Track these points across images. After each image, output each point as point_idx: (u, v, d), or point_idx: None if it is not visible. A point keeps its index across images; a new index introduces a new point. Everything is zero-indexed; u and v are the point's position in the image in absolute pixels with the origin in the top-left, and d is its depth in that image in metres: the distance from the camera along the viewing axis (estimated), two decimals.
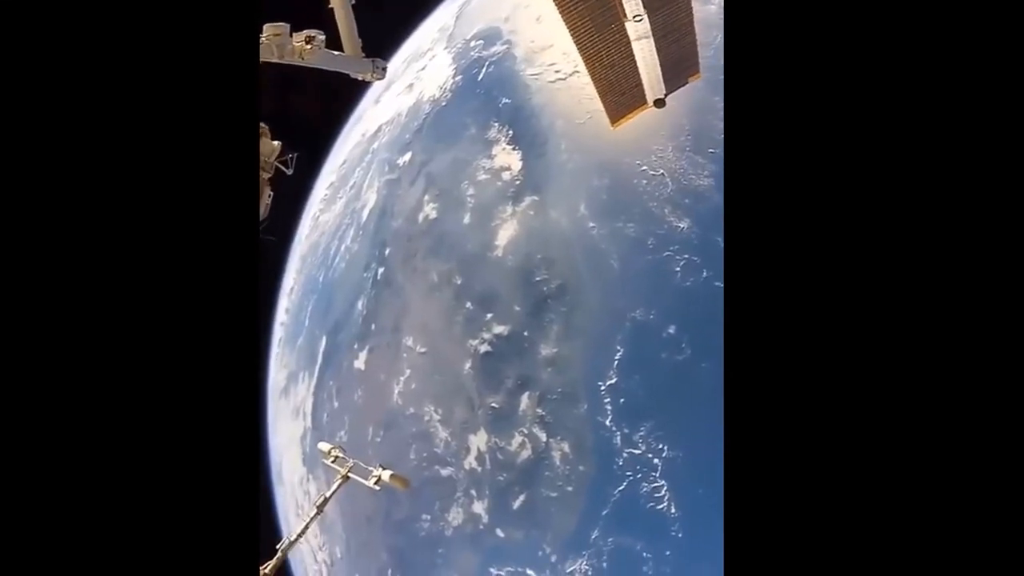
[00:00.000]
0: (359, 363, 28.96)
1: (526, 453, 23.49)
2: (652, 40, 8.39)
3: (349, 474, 7.30)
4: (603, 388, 22.71)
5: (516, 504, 23.16)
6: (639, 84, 9.00)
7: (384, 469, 7.29)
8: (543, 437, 23.35)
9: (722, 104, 24.38)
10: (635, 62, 8.62)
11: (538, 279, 25.18)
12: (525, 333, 24.87)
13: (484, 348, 25.41)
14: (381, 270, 30.48)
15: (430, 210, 29.57)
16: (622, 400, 22.45)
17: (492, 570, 22.74)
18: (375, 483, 7.22)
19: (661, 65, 8.72)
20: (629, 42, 8.34)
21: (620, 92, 9.12)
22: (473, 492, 23.85)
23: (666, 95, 9.21)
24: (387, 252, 30.73)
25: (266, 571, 6.21)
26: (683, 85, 9.49)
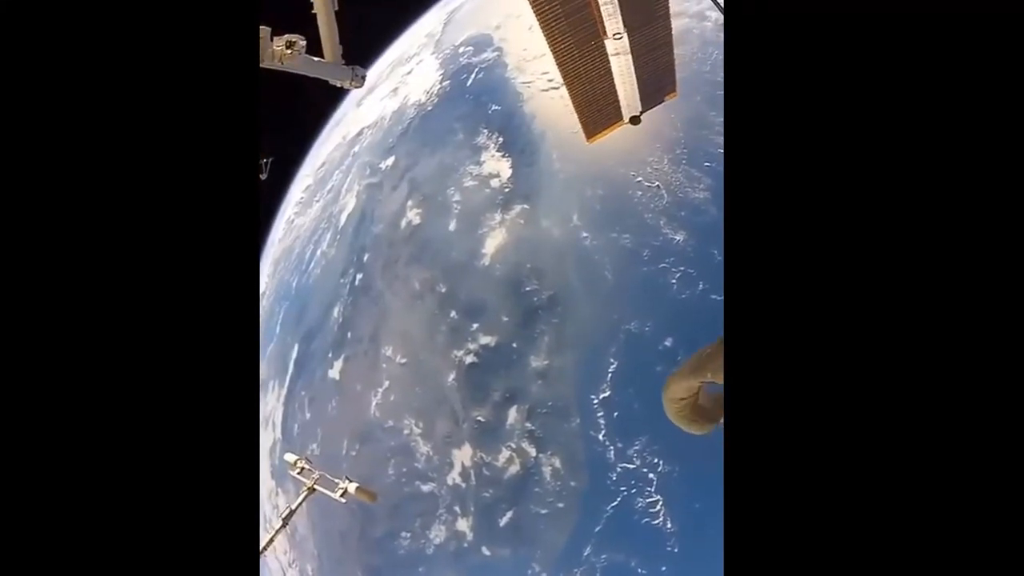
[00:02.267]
0: (334, 373, 27.72)
1: (514, 468, 22.63)
2: (631, 58, 8.51)
3: (316, 486, 7.25)
4: (596, 401, 22.13)
5: (503, 521, 22.21)
6: (616, 101, 9.10)
7: (351, 482, 7.26)
8: (532, 452, 22.55)
9: (718, 119, 24.52)
10: (613, 79, 8.68)
11: (528, 289, 24.55)
12: (514, 344, 24.14)
13: (469, 359, 24.57)
14: (359, 276, 29.45)
15: (413, 216, 28.75)
16: (616, 414, 21.89)
17: None
18: (341, 495, 7.18)
19: (639, 83, 8.87)
20: (608, 59, 8.42)
21: (597, 108, 9.22)
22: (457, 509, 22.80)
23: (642, 113, 9.32)
24: (366, 258, 29.73)
25: None
26: (660, 103, 9.65)
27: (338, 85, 6.37)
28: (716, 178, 23.44)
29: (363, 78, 6.48)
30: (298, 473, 7.47)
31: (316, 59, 6.07)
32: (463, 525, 22.54)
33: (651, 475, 21.11)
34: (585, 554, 21.01)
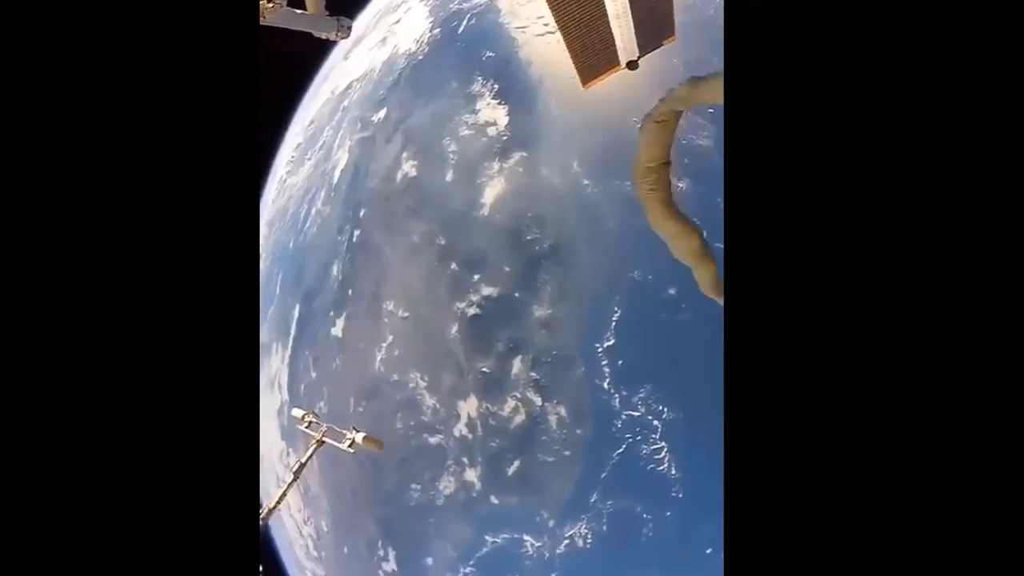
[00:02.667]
0: (336, 331, 27.59)
1: (520, 418, 22.73)
2: (628, 1, 8.20)
3: (324, 438, 7.37)
4: (600, 350, 22.07)
5: (511, 470, 22.44)
6: (612, 46, 8.79)
7: (358, 432, 7.36)
8: (538, 401, 22.61)
9: (722, 63, 23.68)
10: (609, 23, 8.45)
11: (529, 238, 24.21)
12: (516, 295, 23.95)
13: (472, 311, 24.40)
14: (356, 232, 29.01)
15: (409, 168, 28.15)
16: (620, 362, 21.86)
17: (487, 537, 22.02)
18: (349, 446, 7.31)
19: (635, 27, 8.59)
20: (603, 2, 8.12)
21: (593, 53, 8.91)
22: (465, 459, 23.00)
23: (639, 57, 9.07)
24: (362, 213, 29.24)
25: None
26: (658, 47, 9.25)
27: (323, 37, 6.18)
28: (720, 125, 22.71)
29: (349, 29, 6.30)
30: (306, 427, 7.55)
31: (299, 11, 5.90)
32: (471, 475, 22.78)
33: (656, 422, 21.21)
34: (592, 500, 21.30)
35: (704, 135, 22.90)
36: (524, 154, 25.22)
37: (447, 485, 22.93)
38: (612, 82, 9.26)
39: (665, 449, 21.06)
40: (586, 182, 23.76)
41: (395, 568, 23.61)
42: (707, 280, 6.29)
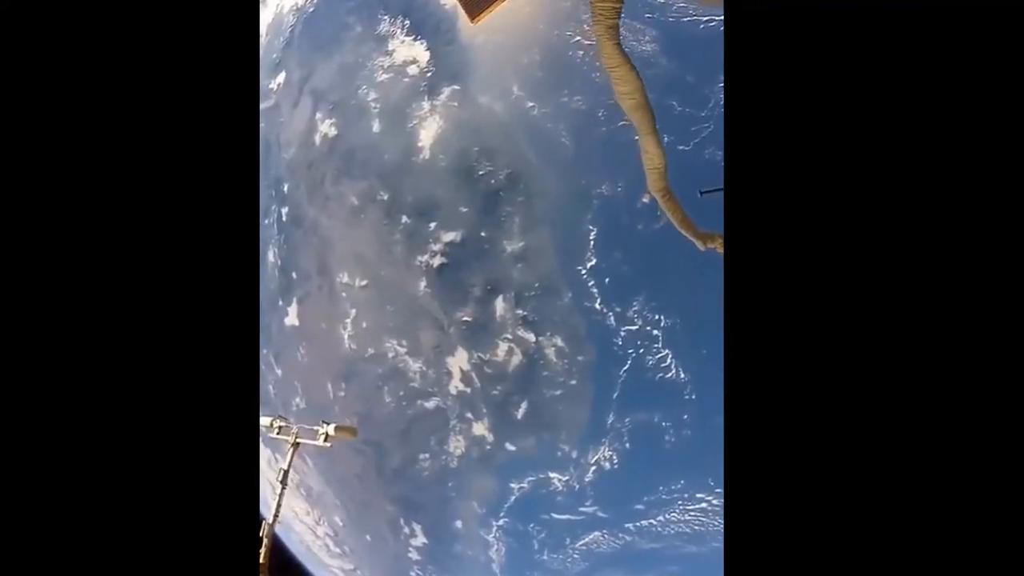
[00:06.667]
0: (291, 320, 25.33)
1: (516, 359, 21.72)
2: None
3: (298, 440, 7.34)
4: (584, 272, 21.29)
5: (519, 413, 21.51)
6: None
7: (328, 424, 7.35)
8: (531, 337, 21.63)
9: None
10: None
11: (481, 173, 22.75)
12: (482, 234, 22.58)
13: (437, 261, 22.85)
14: (284, 210, 26.51)
15: (327, 128, 25.76)
16: (607, 280, 21.19)
17: (512, 485, 21.18)
18: (324, 440, 7.30)
19: None
20: None
21: None
22: (469, 415, 21.84)
23: None
24: (285, 188, 26.69)
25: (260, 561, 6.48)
26: None
27: None
28: (661, 29, 21.91)
29: None
30: (277, 433, 7.39)
31: None
32: (480, 429, 21.71)
33: (655, 332, 20.83)
34: (609, 422, 20.86)
35: (645, 40, 22.03)
36: (456, 87, 23.46)
37: (457, 445, 21.76)
38: None
39: (669, 356, 20.77)
40: (530, 104, 22.45)
41: (425, 541, 22.40)
42: (654, 166, 5.65)
